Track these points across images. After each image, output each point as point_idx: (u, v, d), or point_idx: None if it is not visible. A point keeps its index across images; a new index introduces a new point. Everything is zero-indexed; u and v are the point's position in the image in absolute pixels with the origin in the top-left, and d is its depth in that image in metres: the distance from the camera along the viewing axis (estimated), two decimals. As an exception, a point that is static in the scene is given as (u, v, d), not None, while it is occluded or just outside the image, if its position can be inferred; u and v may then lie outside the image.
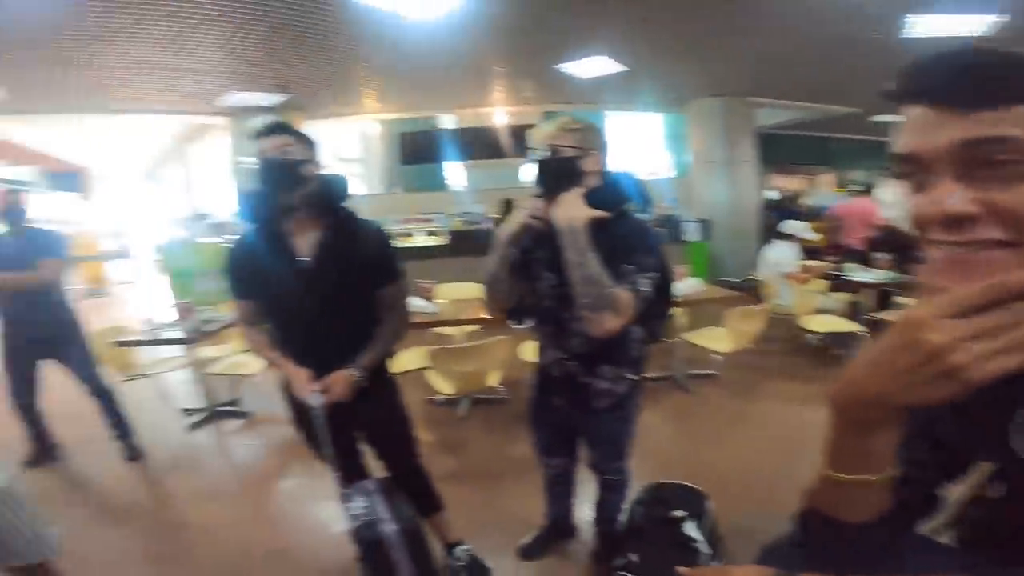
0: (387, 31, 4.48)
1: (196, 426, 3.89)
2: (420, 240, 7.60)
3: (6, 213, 2.98)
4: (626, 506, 1.98)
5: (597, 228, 1.40)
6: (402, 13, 4.11)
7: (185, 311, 3.85)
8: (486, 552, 2.21)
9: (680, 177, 9.50)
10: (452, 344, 3.43)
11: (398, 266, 1.73)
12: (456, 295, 4.56)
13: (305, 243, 1.62)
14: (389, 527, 1.65)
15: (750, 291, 4.96)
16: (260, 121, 1.63)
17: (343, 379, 1.60)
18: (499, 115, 8.60)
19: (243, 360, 3.96)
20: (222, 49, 4.54)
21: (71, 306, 3.32)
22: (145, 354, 4.11)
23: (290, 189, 1.55)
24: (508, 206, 6.56)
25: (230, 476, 3.35)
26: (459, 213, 7.70)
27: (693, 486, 1.99)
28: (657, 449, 3.08)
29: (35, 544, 1.58)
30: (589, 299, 1.38)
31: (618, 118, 9.71)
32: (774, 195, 10.42)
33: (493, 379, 3.42)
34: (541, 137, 1.48)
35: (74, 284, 12.98)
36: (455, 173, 10.86)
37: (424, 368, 3.42)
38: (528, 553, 2.26)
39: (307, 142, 1.62)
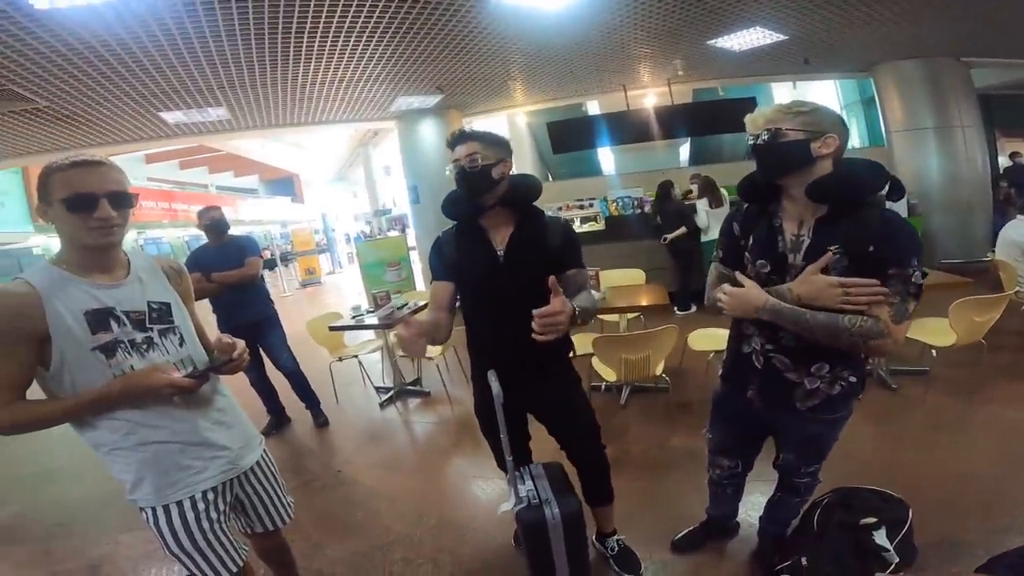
0: (530, 24, 4.43)
1: (386, 403, 4.23)
2: (577, 227, 7.36)
3: (209, 228, 3.52)
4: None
5: (837, 223, 1.34)
6: (544, 6, 4.01)
7: (382, 299, 4.31)
8: (638, 543, 2.12)
9: (872, 147, 8.10)
10: (615, 332, 3.35)
11: (580, 255, 1.77)
12: (616, 281, 4.28)
13: (500, 237, 1.71)
14: (552, 511, 1.64)
15: (979, 275, 3.98)
16: (452, 131, 1.71)
17: (567, 302, 1.47)
18: (647, 97, 8.13)
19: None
20: (388, 58, 4.80)
21: (269, 297, 3.80)
22: (350, 337, 4.64)
23: (482, 191, 1.65)
24: (666, 188, 6.03)
25: (410, 449, 3.58)
26: (615, 198, 7.30)
27: (891, 493, 1.84)
28: (853, 450, 2.55)
29: (280, 512, 1.67)
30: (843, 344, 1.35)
31: (785, 89, 8.67)
32: (1013, 163, 8.27)
33: (657, 367, 3.20)
34: (761, 121, 1.37)
35: (295, 276, 15.62)
36: (606, 158, 10.42)
37: (587, 355, 3.30)
38: (681, 547, 2.15)
39: (496, 144, 1.67)
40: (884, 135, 7.35)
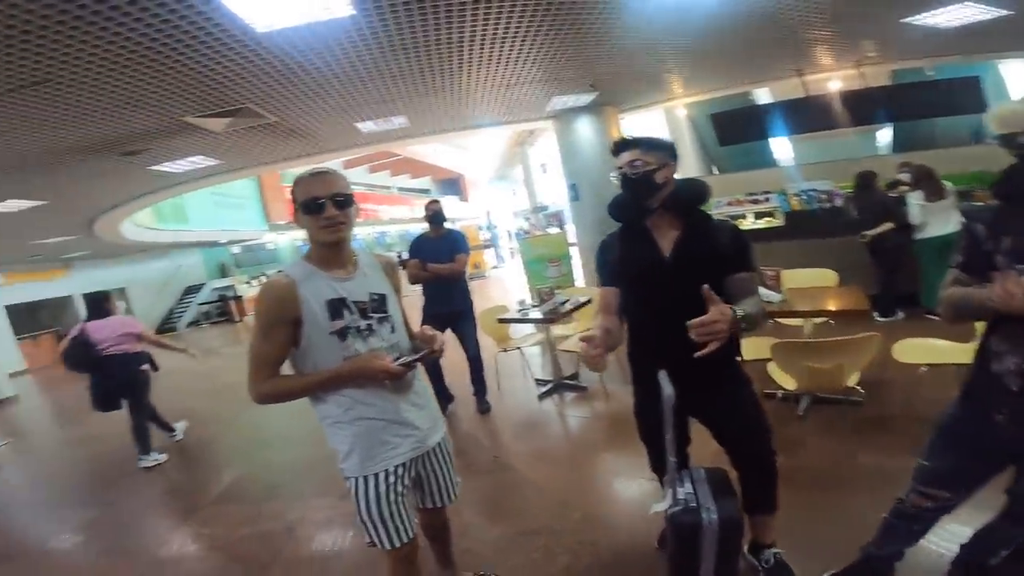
0: (682, 16, 4.22)
1: (544, 395, 4.30)
2: (750, 223, 6.57)
3: (431, 219, 3.95)
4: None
5: None
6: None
7: (546, 295, 4.41)
8: (795, 560, 1.93)
9: None
10: (799, 337, 2.99)
11: (751, 258, 1.67)
12: (799, 282, 3.75)
13: (666, 240, 1.68)
14: (710, 517, 1.56)
15: None
16: (616, 138, 1.72)
17: (726, 310, 1.37)
18: (830, 81, 7.18)
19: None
20: (542, 60, 4.86)
21: (469, 290, 4.11)
22: (515, 330, 4.83)
23: (647, 197, 1.64)
24: (866, 179, 5.10)
25: (564, 442, 3.59)
26: (797, 191, 6.42)
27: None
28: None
29: (450, 490, 1.78)
30: None
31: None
32: None
33: (851, 378, 2.77)
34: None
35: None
36: (782, 149, 9.38)
37: (763, 360, 3.01)
38: None
39: (658, 149, 1.64)
40: None
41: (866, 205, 5.05)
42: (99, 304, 4.32)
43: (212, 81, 3.71)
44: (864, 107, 6.66)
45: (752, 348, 3.16)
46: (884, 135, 10.97)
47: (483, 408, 4.11)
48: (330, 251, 1.51)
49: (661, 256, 1.67)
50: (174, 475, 4.01)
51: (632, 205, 1.71)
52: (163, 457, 4.30)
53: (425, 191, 28.11)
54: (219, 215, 14.24)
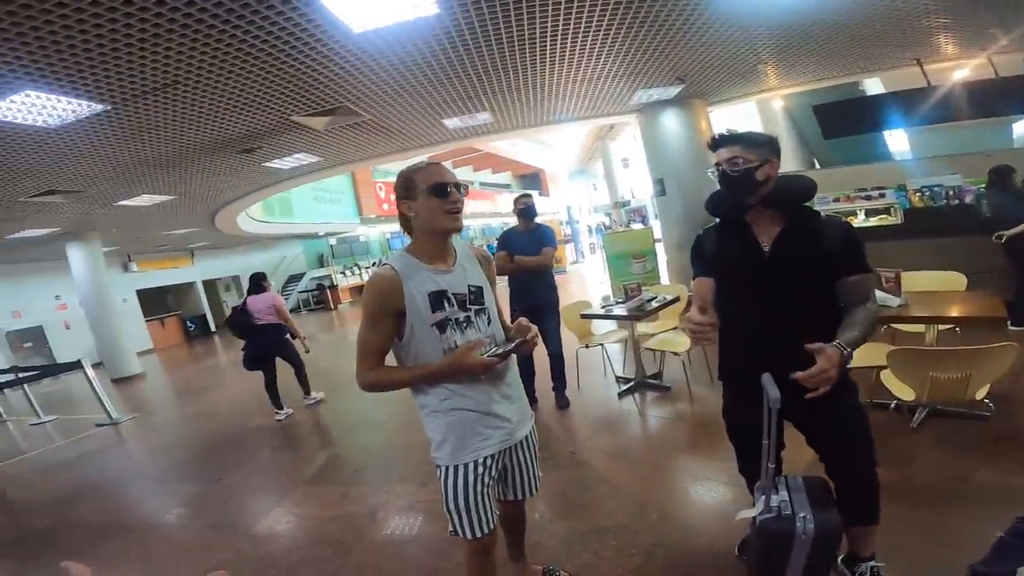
0: (777, 5, 3.98)
1: (624, 393, 4.18)
2: (861, 221, 5.89)
3: (522, 213, 3.93)
4: None
5: None
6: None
7: (632, 291, 4.26)
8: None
9: None
10: (920, 344, 2.78)
11: (863, 259, 1.55)
12: (922, 285, 3.35)
13: (766, 236, 1.60)
14: (805, 526, 1.45)
15: None
16: (715, 134, 1.62)
17: (835, 355, 1.35)
18: (956, 71, 6.50)
19: (672, 338, 4.09)
20: (626, 54, 4.73)
21: (555, 284, 4.05)
22: (596, 326, 4.72)
23: (747, 194, 1.56)
24: (1003, 174, 4.45)
25: (643, 442, 3.47)
26: (919, 186, 5.73)
27: None
28: None
29: (533, 483, 1.77)
30: None
31: None
32: None
33: (979, 391, 2.45)
34: None
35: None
36: (896, 141, 8.46)
37: (874, 367, 2.77)
38: None
39: (760, 145, 1.55)
40: None
41: (1001, 202, 4.42)
42: (257, 282, 5.18)
43: (314, 81, 3.92)
44: (996, 98, 5.90)
45: (862, 355, 2.92)
46: (1021, 127, 9.58)
47: (562, 404, 4.05)
48: (437, 242, 1.54)
49: (760, 252, 1.59)
50: (275, 455, 4.29)
51: (730, 202, 1.62)
52: (291, 411, 5.16)
53: (506, 186, 28.42)
54: (318, 209, 15.25)
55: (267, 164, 6.47)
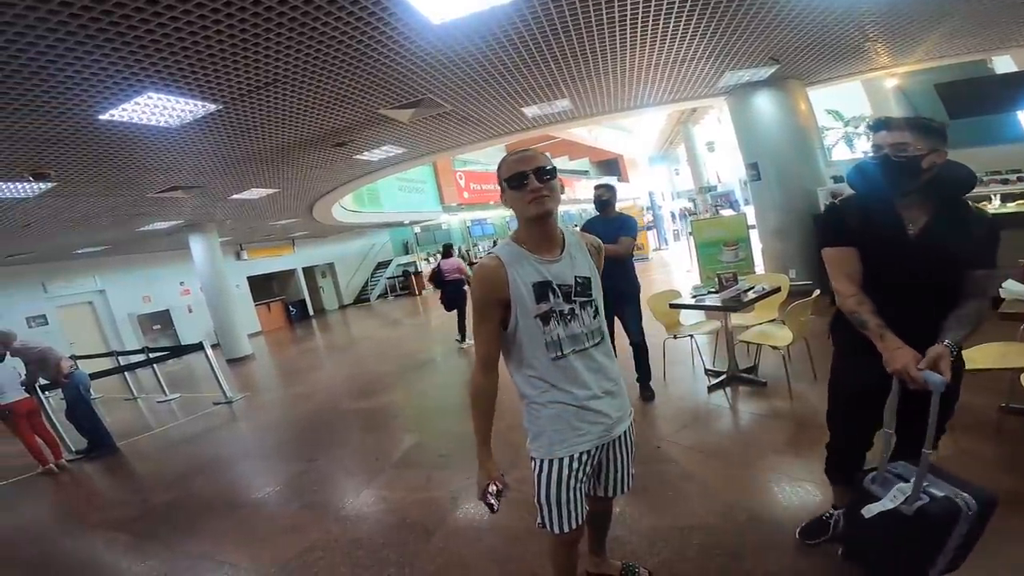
0: None
1: (714, 387, 3.93)
2: (995, 206, 5.18)
3: (598, 203, 3.83)
4: None
5: None
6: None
7: (727, 280, 3.97)
8: None
9: None
10: None
11: (995, 255, 1.52)
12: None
13: (913, 220, 1.55)
14: (967, 502, 1.40)
15: None
16: (878, 117, 1.57)
17: (946, 354, 1.39)
18: None
19: (771, 330, 3.78)
20: (714, 34, 4.39)
21: (635, 274, 3.87)
22: (685, 316, 4.47)
23: (909, 181, 1.50)
24: None
25: (734, 439, 3.23)
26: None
27: None
28: None
29: (626, 481, 1.69)
30: None
31: None
32: None
33: None
34: None
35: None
36: None
37: (1012, 369, 2.45)
38: None
39: (931, 133, 1.47)
40: None
41: None
42: (448, 249, 7.57)
43: (398, 74, 3.96)
44: None
45: (997, 356, 2.60)
46: None
47: (647, 396, 3.87)
48: (538, 229, 1.46)
49: (906, 236, 1.54)
50: (364, 438, 4.46)
51: (888, 186, 1.54)
52: (470, 343, 6.09)
53: (583, 172, 27.90)
54: (403, 198, 15.81)
55: (358, 156, 6.71)
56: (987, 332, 2.74)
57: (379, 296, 19.22)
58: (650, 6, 3.58)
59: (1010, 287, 2.58)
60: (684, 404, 3.77)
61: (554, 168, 1.45)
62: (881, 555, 1.59)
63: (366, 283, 19.81)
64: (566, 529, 1.51)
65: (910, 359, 1.42)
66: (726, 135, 7.04)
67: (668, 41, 4.39)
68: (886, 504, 1.51)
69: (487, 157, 17.90)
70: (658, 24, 3.95)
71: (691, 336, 4.24)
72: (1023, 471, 2.32)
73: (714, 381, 3.96)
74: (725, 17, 4.00)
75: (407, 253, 20.19)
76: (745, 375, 3.92)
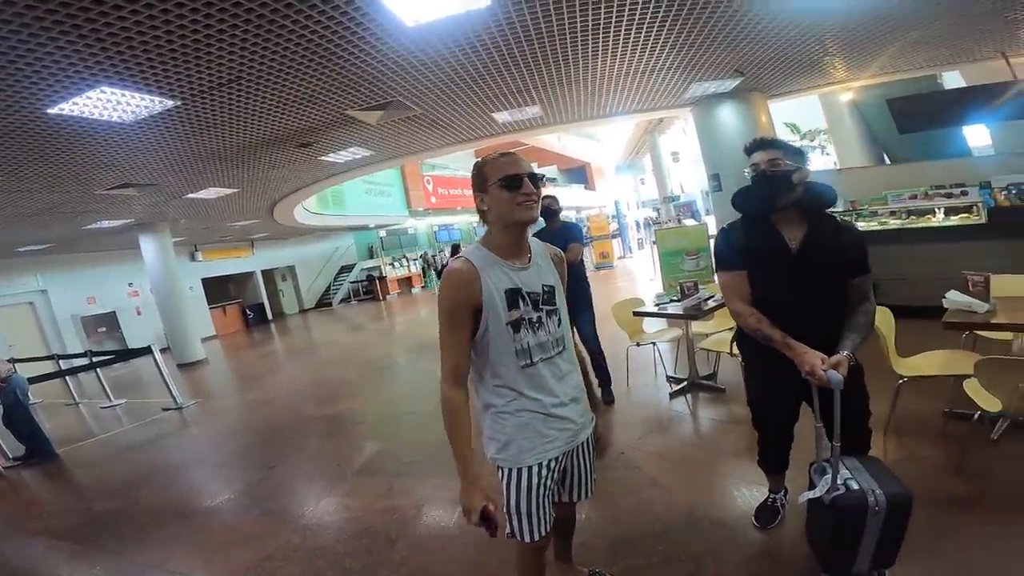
0: None
1: (676, 394, 4.03)
2: (939, 220, 5.46)
3: (543, 213, 3.77)
4: None
5: None
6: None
7: (688, 288, 4.06)
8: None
9: None
10: (1007, 353, 2.62)
11: (867, 262, 1.78)
12: (1008, 290, 3.03)
13: (791, 234, 1.78)
14: (877, 497, 1.58)
15: None
16: (752, 140, 1.84)
17: (845, 361, 1.62)
18: None
19: (729, 338, 3.83)
20: (682, 46, 4.52)
21: (587, 281, 3.95)
22: (649, 324, 4.57)
23: (783, 194, 1.73)
24: None
25: (696, 445, 3.33)
26: (1004, 184, 5.21)
27: None
28: None
29: (589, 485, 1.72)
30: None
31: None
32: None
33: None
34: None
35: (590, 259, 16.59)
36: (976, 136, 7.89)
37: (956, 376, 2.61)
38: None
39: (796, 153, 1.76)
40: None
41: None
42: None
43: (369, 76, 3.93)
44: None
45: (943, 363, 2.76)
46: None
47: (608, 399, 3.95)
48: (515, 235, 1.46)
49: (788, 248, 1.76)
50: (325, 444, 4.35)
51: (767, 200, 1.76)
52: None
53: (552, 179, 28.14)
54: (369, 202, 15.60)
55: (323, 158, 6.59)
56: (932, 340, 2.95)
57: (342, 300, 18.86)
58: (623, 17, 3.67)
59: (953, 297, 2.75)
60: (647, 411, 3.85)
61: (543, 176, 1.48)
62: (816, 540, 1.78)
63: (328, 287, 19.41)
64: (536, 537, 1.51)
65: (816, 360, 1.62)
66: (691, 146, 7.29)
67: (638, 51, 4.49)
68: (817, 492, 1.67)
69: (456, 162, 17.85)
70: (629, 34, 4.04)
71: (654, 343, 4.34)
72: (967, 473, 2.47)
73: (675, 388, 4.07)
74: (695, 30, 4.13)
75: (372, 257, 19.90)
76: (705, 381, 4.04)
